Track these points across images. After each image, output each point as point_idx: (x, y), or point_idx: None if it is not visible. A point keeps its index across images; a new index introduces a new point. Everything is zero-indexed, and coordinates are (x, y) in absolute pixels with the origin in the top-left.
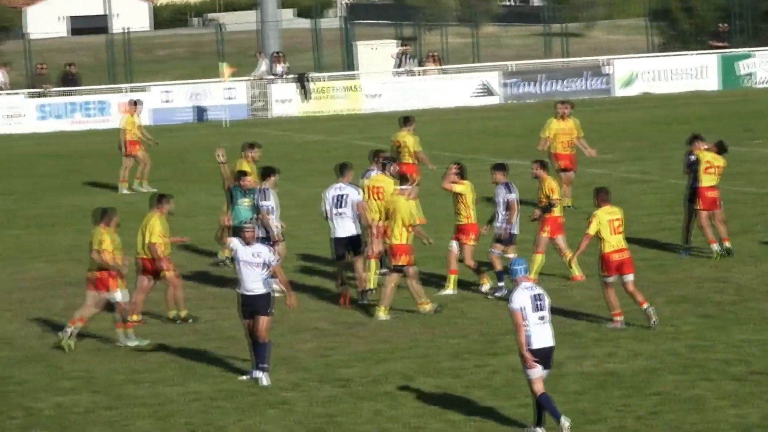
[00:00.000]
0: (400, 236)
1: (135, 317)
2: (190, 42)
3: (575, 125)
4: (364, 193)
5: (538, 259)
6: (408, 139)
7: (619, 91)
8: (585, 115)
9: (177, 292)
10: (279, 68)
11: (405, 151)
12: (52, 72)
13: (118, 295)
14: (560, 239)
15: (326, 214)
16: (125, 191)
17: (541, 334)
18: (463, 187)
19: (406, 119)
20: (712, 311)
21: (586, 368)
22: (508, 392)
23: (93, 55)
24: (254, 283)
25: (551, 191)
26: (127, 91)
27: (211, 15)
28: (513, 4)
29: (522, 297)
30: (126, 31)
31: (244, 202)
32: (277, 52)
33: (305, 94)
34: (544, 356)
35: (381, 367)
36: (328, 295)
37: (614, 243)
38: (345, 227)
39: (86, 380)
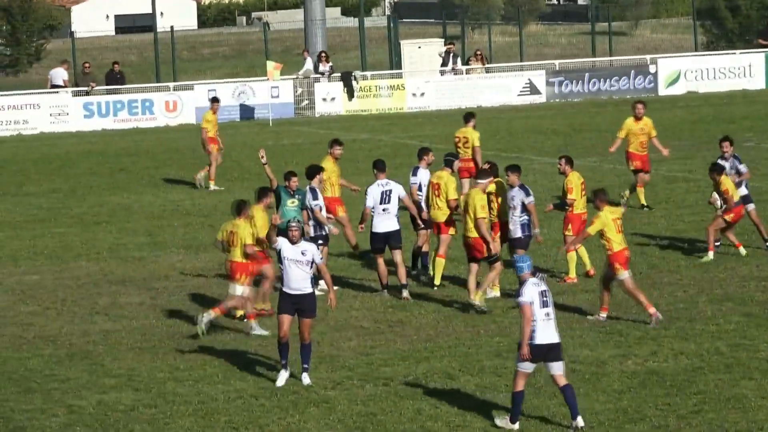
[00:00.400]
0: (476, 229)
1: (262, 306)
2: (236, 41)
3: (650, 125)
4: (425, 188)
5: (573, 257)
6: (471, 134)
7: (665, 90)
8: (630, 114)
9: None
10: (322, 68)
11: (468, 147)
12: (98, 70)
13: (239, 289)
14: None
15: (371, 209)
16: (214, 187)
17: (546, 329)
18: (494, 187)
19: (469, 115)
20: (755, 310)
21: (629, 367)
22: (551, 391)
23: (138, 54)
24: (301, 282)
25: (569, 190)
26: (172, 90)
27: (256, 14)
28: (559, 3)
29: (531, 292)
30: (171, 29)
31: (291, 203)
32: (323, 52)
33: (350, 92)
34: (546, 351)
35: (423, 365)
36: (370, 293)
37: (620, 241)
38: (386, 223)
39: (128, 378)
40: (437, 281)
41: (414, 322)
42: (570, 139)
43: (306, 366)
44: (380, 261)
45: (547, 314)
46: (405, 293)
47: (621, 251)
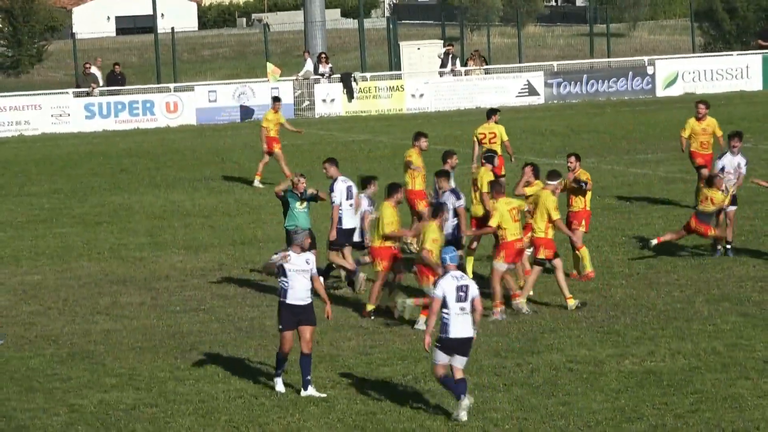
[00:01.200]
0: (545, 230)
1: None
2: (236, 42)
3: (714, 125)
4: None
5: (585, 253)
6: (498, 129)
7: (662, 92)
8: (628, 115)
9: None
10: (322, 69)
11: (495, 143)
12: (99, 71)
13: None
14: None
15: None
16: (259, 185)
17: (459, 324)
18: (534, 188)
19: (492, 111)
20: (752, 310)
21: (626, 367)
22: (548, 390)
23: (139, 55)
24: (306, 292)
25: (587, 178)
26: (172, 91)
27: (256, 15)
28: (557, 4)
29: (447, 285)
30: (172, 31)
31: (298, 206)
32: (322, 53)
33: (350, 94)
34: (459, 345)
35: (421, 365)
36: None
37: (514, 231)
38: (354, 219)
39: (129, 377)
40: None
41: (412, 322)
42: (568, 140)
43: (308, 378)
44: (346, 252)
45: (462, 308)
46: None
47: (512, 242)
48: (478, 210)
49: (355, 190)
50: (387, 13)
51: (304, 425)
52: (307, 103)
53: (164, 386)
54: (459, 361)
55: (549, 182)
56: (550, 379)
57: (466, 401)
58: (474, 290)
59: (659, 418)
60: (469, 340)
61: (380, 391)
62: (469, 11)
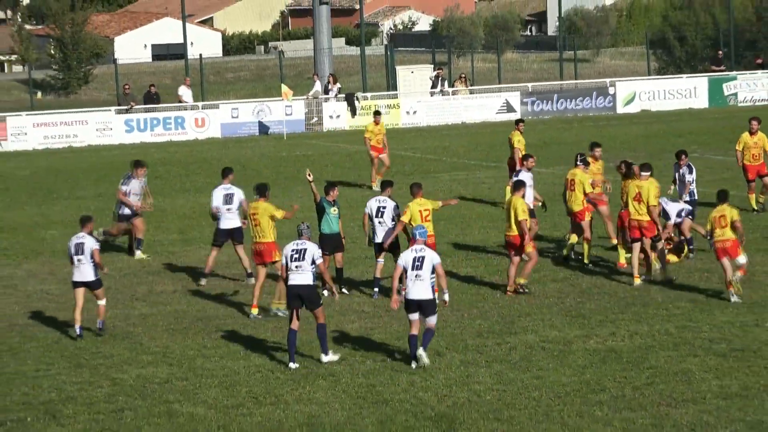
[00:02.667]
0: (643, 213)
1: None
2: (255, 66)
3: (764, 139)
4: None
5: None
6: (515, 137)
7: (622, 109)
8: (592, 129)
9: (531, 265)
10: (331, 87)
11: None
12: (137, 92)
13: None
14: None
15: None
16: (376, 188)
17: (415, 288)
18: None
19: (518, 121)
20: (699, 297)
21: (591, 345)
22: (524, 366)
23: (172, 78)
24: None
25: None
26: (200, 108)
27: (273, 43)
28: (531, 34)
29: (406, 256)
30: (200, 57)
31: (333, 211)
32: (332, 75)
33: (353, 111)
34: (417, 305)
35: None
36: (370, 283)
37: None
38: (231, 222)
39: (163, 355)
40: (587, 260)
41: None
42: (541, 151)
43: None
44: (214, 252)
45: (417, 275)
46: (203, 281)
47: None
48: (575, 206)
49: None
50: (385, 42)
51: (314, 396)
52: (315, 119)
53: (193, 362)
54: (430, 320)
55: (643, 174)
56: (525, 357)
57: (424, 357)
58: (430, 260)
59: (619, 389)
60: (425, 301)
61: (379, 367)
62: (456, 40)
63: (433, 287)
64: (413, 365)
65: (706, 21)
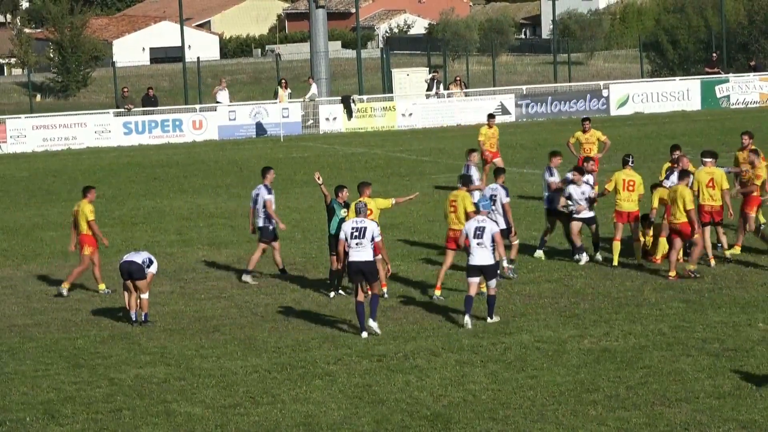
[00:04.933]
0: (717, 199)
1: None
2: (252, 69)
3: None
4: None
5: (663, 242)
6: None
7: (615, 111)
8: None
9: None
10: (281, 92)
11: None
12: (135, 94)
13: None
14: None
15: None
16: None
17: (478, 254)
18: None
19: (585, 119)
20: (692, 297)
21: (585, 345)
22: (519, 366)
23: (170, 80)
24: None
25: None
26: (198, 111)
27: (270, 46)
28: (525, 37)
29: (470, 225)
30: (198, 60)
31: (343, 212)
32: (283, 79)
33: (349, 113)
34: (480, 270)
35: (411, 344)
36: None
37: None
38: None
39: (161, 355)
40: (616, 262)
41: (403, 307)
42: (535, 153)
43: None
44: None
45: (479, 243)
46: (248, 278)
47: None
48: (631, 206)
49: None
50: (381, 45)
51: (310, 396)
52: (311, 121)
53: (191, 362)
54: (491, 284)
55: (708, 159)
56: (520, 356)
57: (469, 322)
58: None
59: (613, 389)
60: (487, 266)
61: (375, 366)
62: (451, 43)
63: (493, 252)
64: (468, 325)
65: (698, 24)
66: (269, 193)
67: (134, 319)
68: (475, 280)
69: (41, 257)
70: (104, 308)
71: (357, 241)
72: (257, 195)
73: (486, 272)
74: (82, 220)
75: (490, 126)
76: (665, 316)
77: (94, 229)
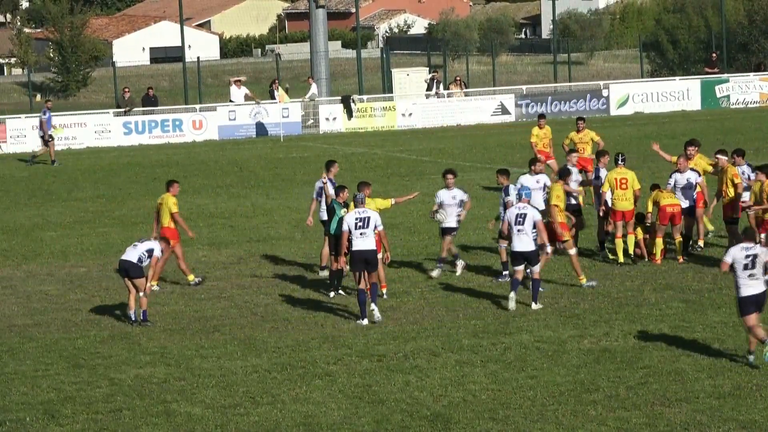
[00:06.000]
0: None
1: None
2: (252, 69)
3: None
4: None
5: (660, 243)
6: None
7: (615, 111)
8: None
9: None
10: (236, 92)
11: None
12: (135, 94)
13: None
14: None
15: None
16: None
17: (521, 241)
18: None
19: (579, 119)
20: (692, 297)
21: (585, 345)
22: (519, 366)
23: (170, 80)
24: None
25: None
26: (198, 111)
27: (270, 46)
28: (525, 37)
29: (511, 212)
30: (198, 60)
31: (343, 212)
32: (238, 79)
33: (349, 113)
34: (524, 257)
35: (411, 344)
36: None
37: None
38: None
39: (161, 355)
40: (621, 259)
41: (403, 307)
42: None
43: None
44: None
45: (519, 230)
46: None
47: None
48: (627, 205)
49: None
50: (381, 45)
51: (310, 396)
52: (311, 121)
53: (191, 362)
54: (535, 269)
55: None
56: (520, 356)
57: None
58: (531, 217)
59: (613, 389)
60: (528, 252)
61: (375, 366)
62: (451, 43)
63: (535, 240)
64: (512, 301)
65: (698, 24)
66: (334, 186)
67: (133, 318)
68: (520, 268)
69: (41, 257)
70: (104, 308)
71: (361, 231)
72: (321, 188)
73: (529, 258)
74: (165, 212)
75: (540, 126)
76: (665, 316)
77: (179, 221)
